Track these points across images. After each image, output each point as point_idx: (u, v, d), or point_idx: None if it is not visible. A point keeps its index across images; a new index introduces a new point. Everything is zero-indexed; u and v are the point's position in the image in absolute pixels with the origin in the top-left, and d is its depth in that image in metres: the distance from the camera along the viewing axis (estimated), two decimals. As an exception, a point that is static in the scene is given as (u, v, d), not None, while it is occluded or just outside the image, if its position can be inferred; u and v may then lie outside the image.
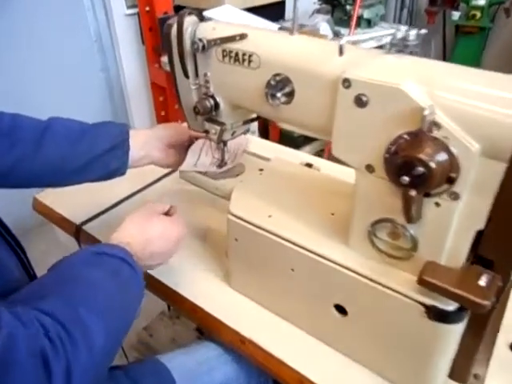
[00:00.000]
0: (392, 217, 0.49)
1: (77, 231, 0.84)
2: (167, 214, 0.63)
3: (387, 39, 0.45)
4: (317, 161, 0.70)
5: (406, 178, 0.41)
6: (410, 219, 0.45)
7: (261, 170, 0.72)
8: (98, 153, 0.63)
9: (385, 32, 0.46)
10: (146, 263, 0.54)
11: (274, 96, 0.52)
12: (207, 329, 0.67)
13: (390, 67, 0.44)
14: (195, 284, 0.71)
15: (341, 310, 0.56)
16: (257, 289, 0.67)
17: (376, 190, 0.48)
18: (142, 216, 0.57)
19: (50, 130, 0.62)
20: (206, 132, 0.66)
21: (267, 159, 0.78)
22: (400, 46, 0.44)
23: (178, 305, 0.71)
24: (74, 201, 0.89)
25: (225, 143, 0.70)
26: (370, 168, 0.47)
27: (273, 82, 0.51)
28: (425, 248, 0.47)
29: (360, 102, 0.44)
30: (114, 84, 2.13)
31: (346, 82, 0.44)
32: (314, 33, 1.88)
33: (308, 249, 0.55)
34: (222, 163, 0.73)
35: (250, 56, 0.53)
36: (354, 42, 0.45)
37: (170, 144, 0.70)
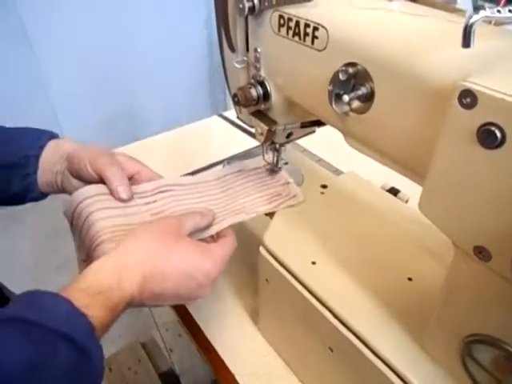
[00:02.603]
0: (506, 340, 0.28)
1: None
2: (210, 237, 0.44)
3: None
4: (410, 186, 0.46)
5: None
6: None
7: (323, 186, 0.54)
8: None
9: None
10: (145, 303, 0.37)
11: (339, 97, 0.32)
12: (216, 374, 0.53)
13: None
14: (217, 316, 0.57)
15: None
16: (285, 347, 0.50)
17: (485, 289, 0.28)
18: (168, 233, 0.38)
19: None
20: (253, 127, 0.48)
21: (339, 172, 0.58)
22: None
23: (191, 334, 0.57)
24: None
25: (281, 145, 0.52)
26: (481, 253, 0.27)
27: (342, 76, 0.31)
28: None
29: (489, 137, 0.23)
30: (215, 41, 2.04)
31: (468, 97, 0.23)
32: (447, 6, 1.53)
33: (358, 334, 0.37)
34: (274, 167, 0.55)
35: (314, 29, 0.34)
36: (498, 23, 0.23)
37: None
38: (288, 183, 0.53)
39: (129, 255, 0.35)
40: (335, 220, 0.48)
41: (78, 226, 0.42)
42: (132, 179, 0.47)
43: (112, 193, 0.43)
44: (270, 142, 0.49)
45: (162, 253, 0.36)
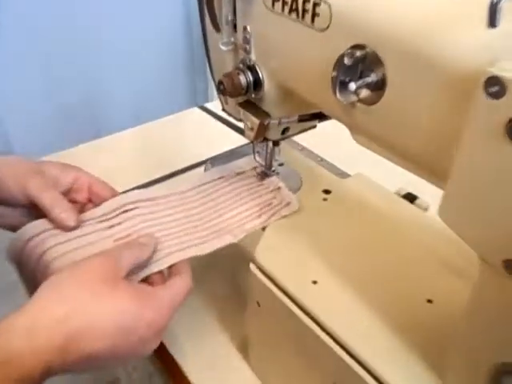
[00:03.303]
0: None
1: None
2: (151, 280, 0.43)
3: None
4: (429, 191, 0.45)
5: None
6: None
7: (326, 191, 0.54)
8: None
9: None
10: (72, 368, 0.35)
11: (344, 86, 0.33)
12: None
13: None
14: (198, 348, 0.57)
15: None
16: (280, 383, 0.51)
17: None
18: (98, 277, 0.37)
19: None
20: (241, 121, 0.49)
21: (345, 175, 0.59)
22: None
23: (167, 371, 0.57)
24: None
25: (275, 143, 0.53)
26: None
27: (347, 60, 0.32)
28: None
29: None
30: (195, 18, 2.06)
31: (495, 86, 0.24)
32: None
33: (367, 367, 0.37)
34: (267, 170, 0.56)
35: (314, 5, 0.34)
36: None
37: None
38: (278, 188, 0.53)
39: (46, 310, 0.34)
40: (340, 231, 0.49)
41: (28, 270, 0.42)
42: (70, 191, 0.47)
43: (54, 223, 0.43)
44: (262, 138, 0.50)
45: (91, 304, 0.35)
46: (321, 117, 0.47)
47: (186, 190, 0.53)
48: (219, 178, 0.55)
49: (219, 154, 0.72)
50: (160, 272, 0.43)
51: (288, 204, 0.51)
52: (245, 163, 0.57)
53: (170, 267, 0.44)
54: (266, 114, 0.46)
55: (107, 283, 0.37)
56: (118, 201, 0.47)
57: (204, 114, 1.04)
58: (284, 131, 0.50)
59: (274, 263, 0.45)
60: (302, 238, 0.48)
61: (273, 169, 0.56)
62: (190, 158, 0.86)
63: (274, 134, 0.49)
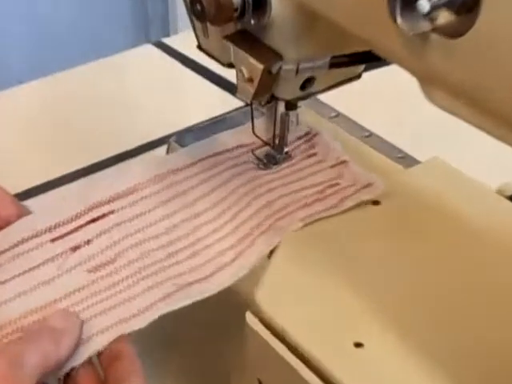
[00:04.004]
0: None
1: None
2: None
3: None
4: None
5: None
6: None
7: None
8: None
9: None
10: None
11: (410, 5, 0.34)
12: None
13: None
14: None
15: None
16: None
17: None
18: None
19: None
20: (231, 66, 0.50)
21: (410, 160, 0.60)
22: None
23: None
24: None
25: (290, 106, 0.54)
26: None
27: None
28: None
29: None
30: None
31: None
32: None
33: None
34: (276, 153, 0.57)
35: None
36: None
37: None
38: (344, 162, 0.56)
39: None
40: (403, 258, 0.50)
41: None
42: None
43: None
44: (268, 97, 0.51)
45: None
46: (369, 60, 0.47)
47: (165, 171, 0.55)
48: (191, 165, 0.56)
49: (192, 126, 0.73)
50: (91, 366, 0.44)
51: (368, 186, 0.54)
52: (233, 140, 0.58)
53: (110, 356, 0.43)
54: (275, 55, 0.47)
55: None
56: (79, 197, 0.49)
57: (164, 54, 1.05)
58: (305, 84, 0.51)
59: (287, 312, 0.46)
60: (335, 271, 0.48)
61: (286, 149, 0.57)
62: (141, 134, 0.87)
63: (288, 88, 0.50)
